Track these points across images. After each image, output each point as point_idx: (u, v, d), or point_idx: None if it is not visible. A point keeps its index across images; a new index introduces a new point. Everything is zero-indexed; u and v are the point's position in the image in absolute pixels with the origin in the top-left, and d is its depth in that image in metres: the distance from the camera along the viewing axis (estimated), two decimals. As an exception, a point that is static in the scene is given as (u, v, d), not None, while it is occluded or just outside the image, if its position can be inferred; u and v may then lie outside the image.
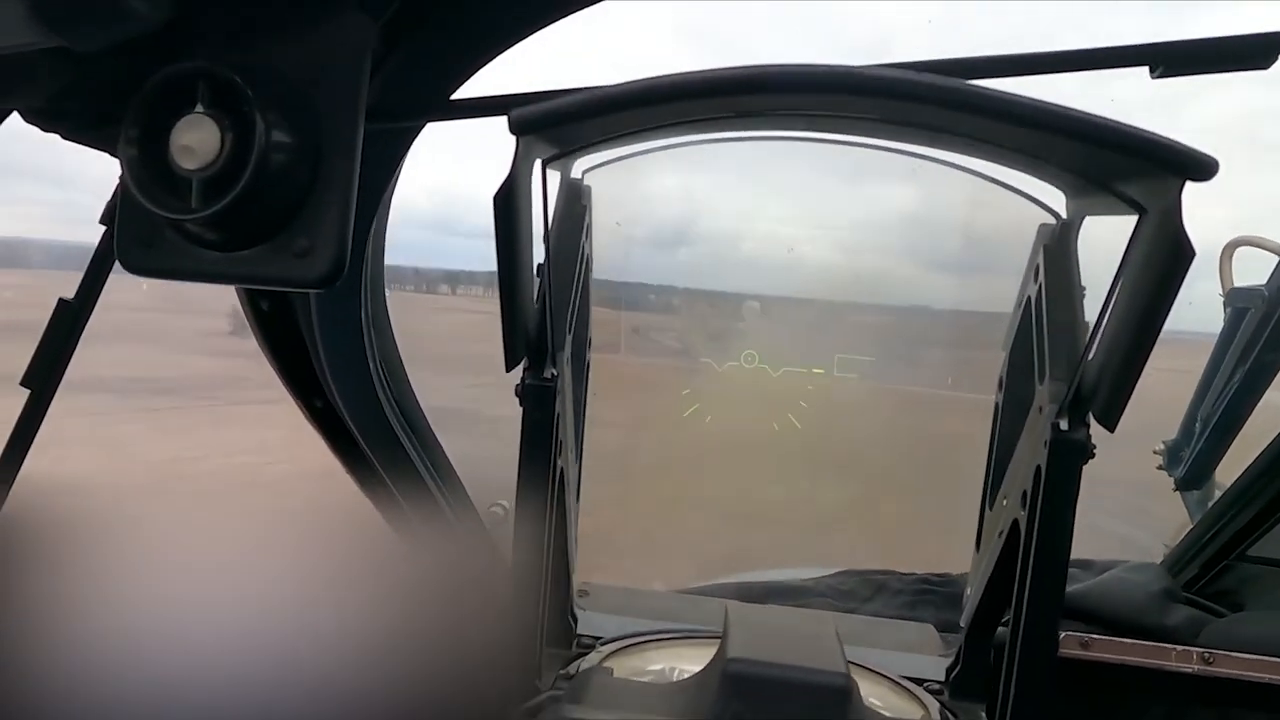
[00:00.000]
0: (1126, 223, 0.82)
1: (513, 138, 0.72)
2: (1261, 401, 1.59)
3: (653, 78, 0.67)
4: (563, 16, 0.93)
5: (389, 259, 1.29)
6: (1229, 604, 1.66)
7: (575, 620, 1.22)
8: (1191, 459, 1.75)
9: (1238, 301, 1.59)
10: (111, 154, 0.88)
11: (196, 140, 0.73)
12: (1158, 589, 1.60)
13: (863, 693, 1.05)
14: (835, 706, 0.88)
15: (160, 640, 0.27)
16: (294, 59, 0.77)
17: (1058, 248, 0.93)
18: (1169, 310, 0.73)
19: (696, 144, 0.84)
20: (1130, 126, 0.67)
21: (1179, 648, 1.26)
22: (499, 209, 0.75)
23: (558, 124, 0.71)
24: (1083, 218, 0.91)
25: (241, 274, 0.79)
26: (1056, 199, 0.94)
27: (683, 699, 0.92)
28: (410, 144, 1.07)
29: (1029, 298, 0.99)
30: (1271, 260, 1.51)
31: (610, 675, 1.02)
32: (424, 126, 1.03)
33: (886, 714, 1.00)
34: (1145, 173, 0.72)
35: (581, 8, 0.92)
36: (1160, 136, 0.66)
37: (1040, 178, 0.88)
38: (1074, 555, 1.78)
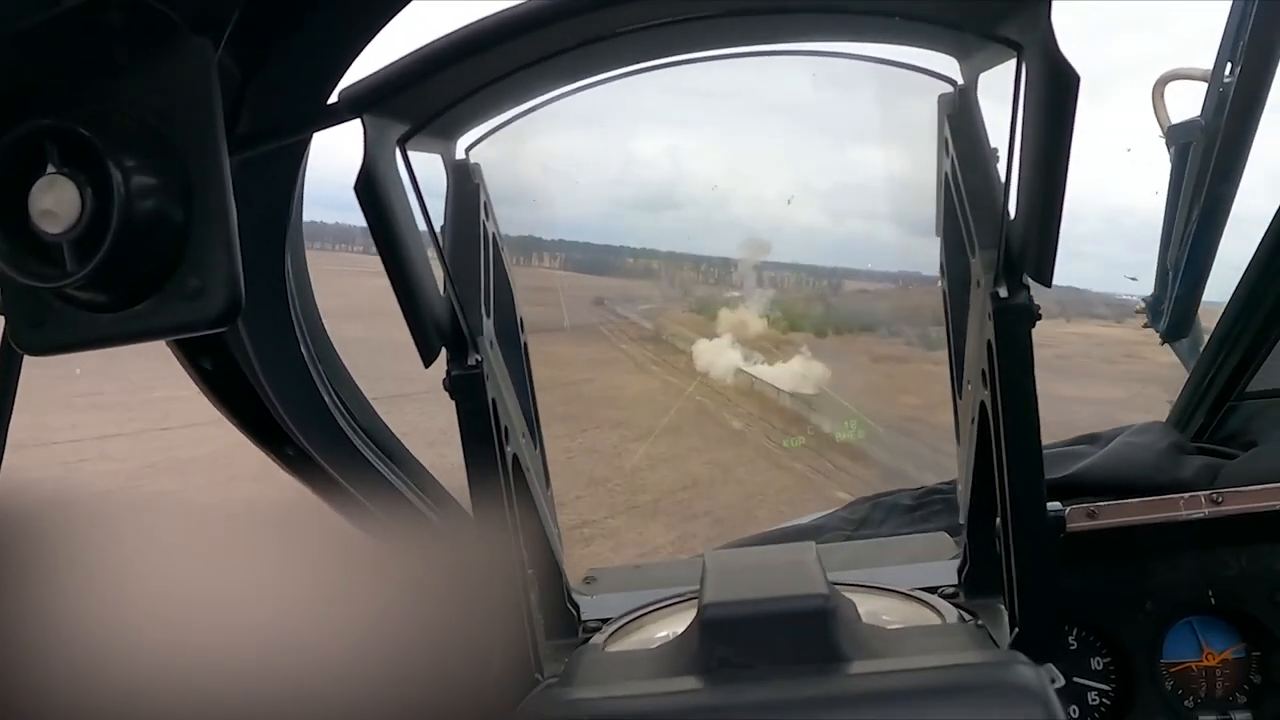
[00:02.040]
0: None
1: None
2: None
3: (484, 18, 0.64)
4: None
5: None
6: (1241, 445, 1.64)
7: (577, 608, 1.19)
8: (1170, 308, 1.72)
9: (1179, 138, 1.55)
10: None
11: (55, 202, 0.70)
12: (1166, 445, 1.58)
13: (873, 609, 1.02)
14: (819, 628, 0.85)
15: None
16: (138, 98, 0.74)
17: (960, 114, 0.90)
18: (1070, 142, 0.71)
19: (570, 95, 0.81)
20: None
21: (1186, 495, 1.23)
22: (363, 201, 0.72)
23: (394, 94, 0.68)
24: (977, 77, 0.88)
25: (139, 329, 0.76)
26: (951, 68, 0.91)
27: (670, 658, 0.90)
28: (303, 159, 1.03)
29: (945, 174, 0.96)
30: (1202, 90, 1.48)
31: (601, 651, 1.00)
32: (309, 141, 1.00)
33: (895, 625, 0.98)
34: (1011, 9, 0.69)
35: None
36: None
37: (930, 48, 0.85)
38: (1081, 430, 1.77)
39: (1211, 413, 1.66)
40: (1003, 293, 0.82)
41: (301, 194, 1.10)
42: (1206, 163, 1.48)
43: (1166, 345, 1.82)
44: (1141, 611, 1.37)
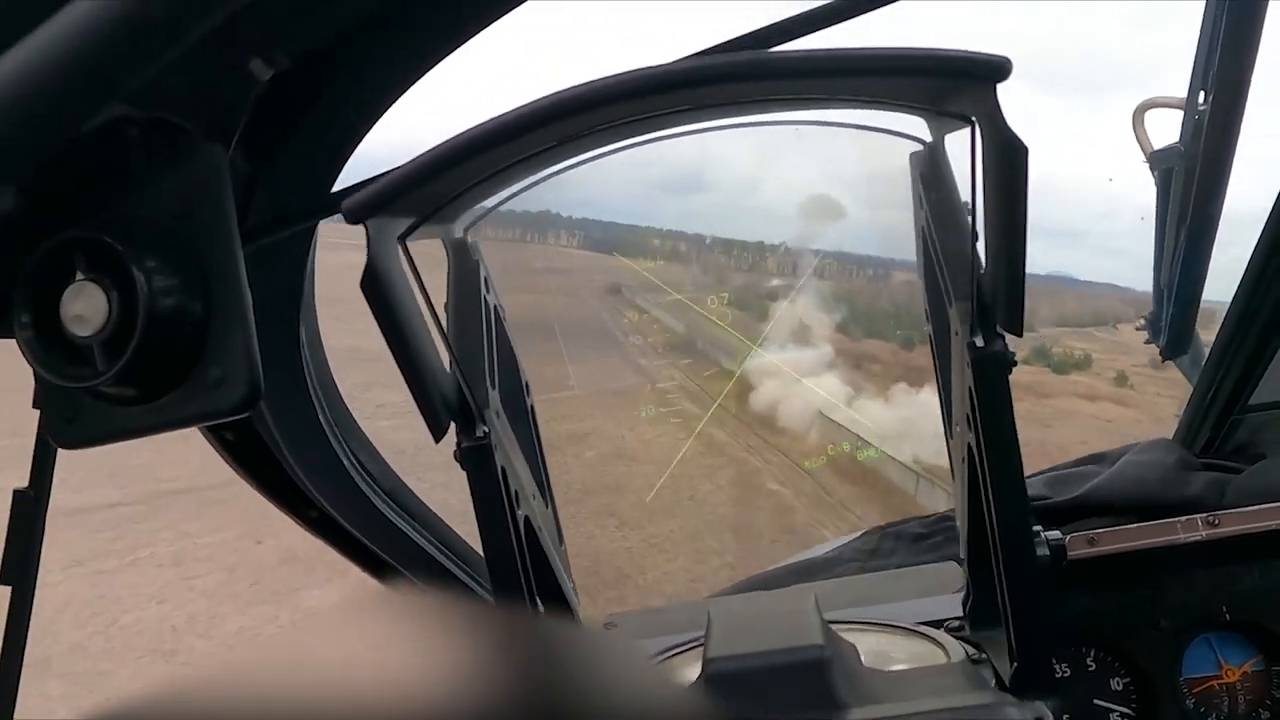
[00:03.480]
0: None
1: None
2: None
3: (466, 130, 0.68)
4: (409, 87, 0.95)
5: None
6: (1248, 458, 1.65)
7: None
8: (1167, 326, 1.75)
9: (1161, 163, 1.59)
10: (8, 337, 0.90)
11: (85, 308, 0.75)
12: (1172, 462, 1.59)
13: (878, 649, 1.05)
14: (817, 678, 0.88)
15: None
16: (156, 204, 0.79)
17: (930, 171, 0.94)
18: (1025, 208, 0.75)
19: (559, 174, 0.85)
20: (920, 50, 0.68)
21: (1184, 519, 1.25)
22: (370, 297, 0.76)
23: (390, 202, 0.73)
24: (944, 136, 0.93)
25: (166, 420, 0.81)
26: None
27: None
28: (311, 241, 1.09)
29: (921, 227, 1.00)
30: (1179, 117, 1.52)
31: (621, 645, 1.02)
32: (316, 227, 1.06)
33: (901, 666, 1.01)
34: (956, 88, 0.73)
35: (431, 68, 0.94)
36: (950, 51, 0.67)
37: (900, 110, 0.89)
38: (1087, 450, 1.79)
39: (1216, 427, 1.68)
40: (979, 342, 0.86)
41: (312, 272, 1.15)
42: (1189, 186, 1.51)
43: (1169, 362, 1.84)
44: (1157, 629, 1.38)
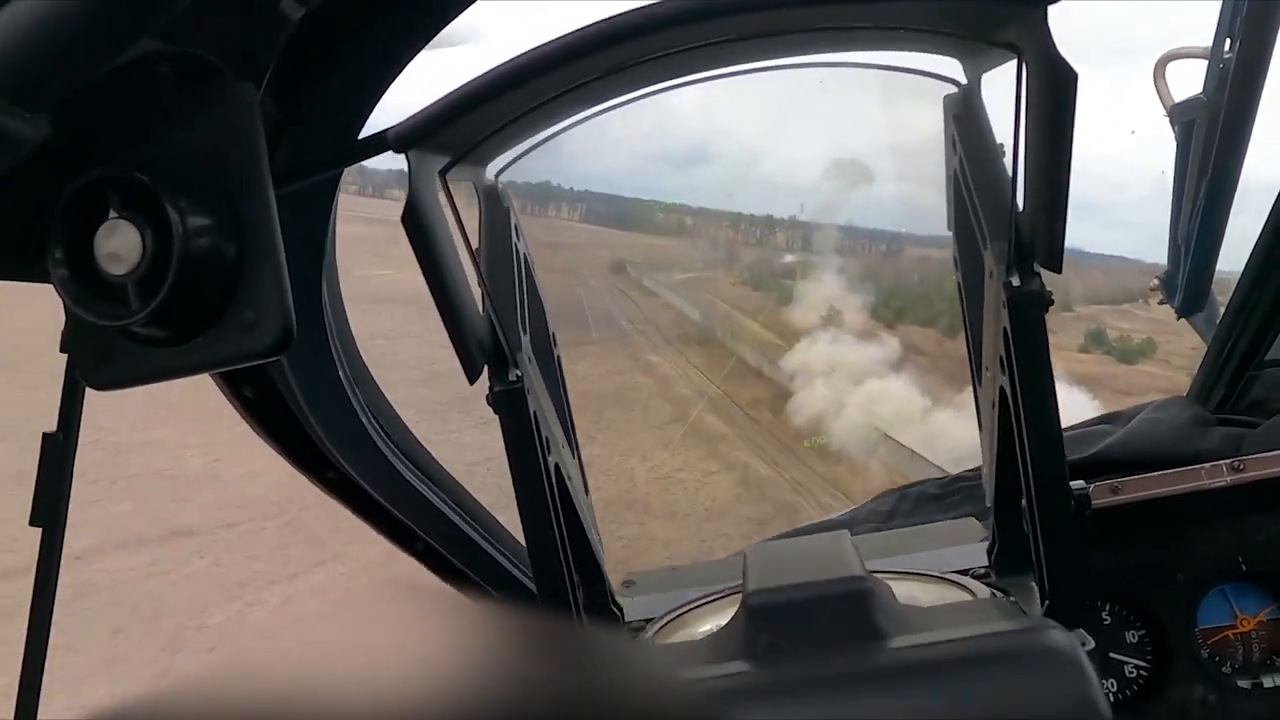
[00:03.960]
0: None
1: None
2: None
3: (516, 56, 0.67)
4: (444, 26, 0.93)
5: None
6: (1264, 413, 1.65)
7: (620, 610, 1.23)
8: (1184, 283, 1.74)
9: (1183, 116, 1.58)
10: (43, 282, 0.89)
11: (119, 246, 0.75)
12: (1186, 418, 1.60)
13: (908, 593, 1.05)
14: (858, 608, 0.88)
15: None
16: (188, 142, 0.78)
17: (966, 113, 0.93)
18: (1072, 136, 0.74)
19: (594, 118, 0.84)
20: None
21: (1208, 465, 1.26)
22: (410, 231, 0.76)
23: (437, 130, 0.72)
24: (979, 77, 0.92)
25: (198, 362, 0.80)
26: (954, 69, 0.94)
27: (719, 646, 0.93)
28: (334, 192, 1.08)
29: (954, 171, 0.99)
30: (1203, 67, 1.50)
31: (656, 644, 1.03)
32: (341, 175, 1.05)
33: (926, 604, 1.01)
34: (1009, 15, 0.72)
35: (449, 22, 0.93)
36: None
37: (935, 51, 0.88)
38: (1102, 410, 1.79)
39: (1232, 383, 1.68)
40: (1015, 281, 0.85)
41: (334, 224, 1.14)
42: (1211, 138, 1.50)
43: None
44: (1173, 582, 1.39)
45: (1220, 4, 1.40)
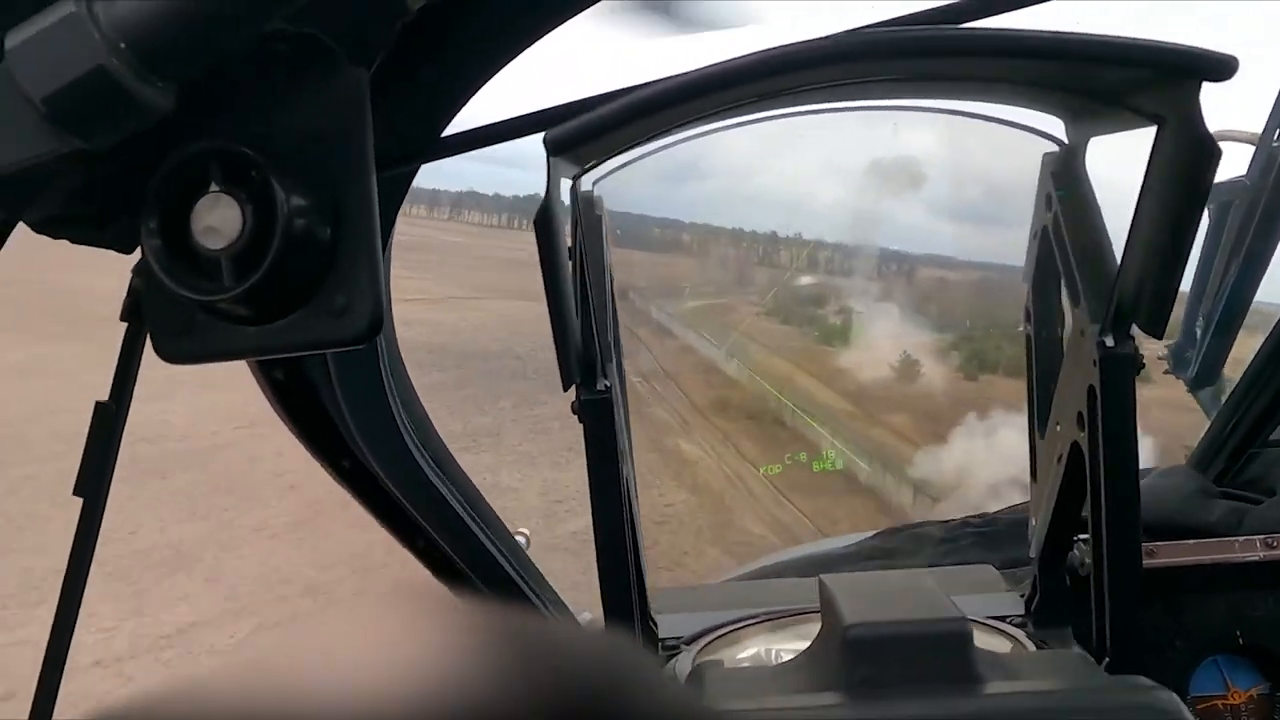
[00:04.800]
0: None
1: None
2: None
3: (680, 76, 0.68)
4: (544, 35, 0.93)
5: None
6: (1260, 491, 1.70)
7: (656, 625, 1.22)
8: (1200, 357, 1.78)
9: (1221, 196, 1.62)
10: (121, 251, 0.87)
11: (219, 219, 0.73)
12: (1193, 489, 1.63)
13: None
14: (960, 653, 0.89)
15: None
16: (297, 122, 0.77)
17: (1067, 173, 0.95)
18: (1202, 210, 0.75)
19: (701, 136, 0.85)
20: (1141, 39, 0.69)
21: (1241, 539, 1.29)
22: (541, 233, 0.75)
23: (594, 138, 0.72)
24: (1087, 140, 0.93)
25: (284, 343, 0.79)
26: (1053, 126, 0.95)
27: (804, 675, 0.93)
28: (406, 190, 1.07)
29: (1044, 228, 1.01)
30: (1248, 152, 1.55)
31: (721, 667, 1.03)
32: (418, 170, 1.04)
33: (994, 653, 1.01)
34: (1160, 83, 0.74)
35: (554, 27, 0.93)
36: (1173, 44, 0.68)
37: (1038, 108, 0.90)
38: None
39: (1233, 459, 1.72)
40: (1109, 342, 0.87)
41: (396, 220, 1.13)
42: (1248, 222, 1.54)
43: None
44: (1172, 648, 1.41)
45: (1277, 94, 1.44)
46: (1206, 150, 0.72)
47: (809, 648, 0.96)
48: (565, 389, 0.88)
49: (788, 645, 1.02)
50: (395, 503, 1.49)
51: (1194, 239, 0.78)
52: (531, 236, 0.86)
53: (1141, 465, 1.87)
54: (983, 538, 1.64)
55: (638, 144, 0.81)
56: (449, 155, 0.99)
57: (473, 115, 1.00)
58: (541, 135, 0.74)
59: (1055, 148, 0.97)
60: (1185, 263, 0.79)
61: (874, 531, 1.84)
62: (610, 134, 0.73)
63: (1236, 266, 1.59)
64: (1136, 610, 0.94)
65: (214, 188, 0.74)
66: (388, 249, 1.14)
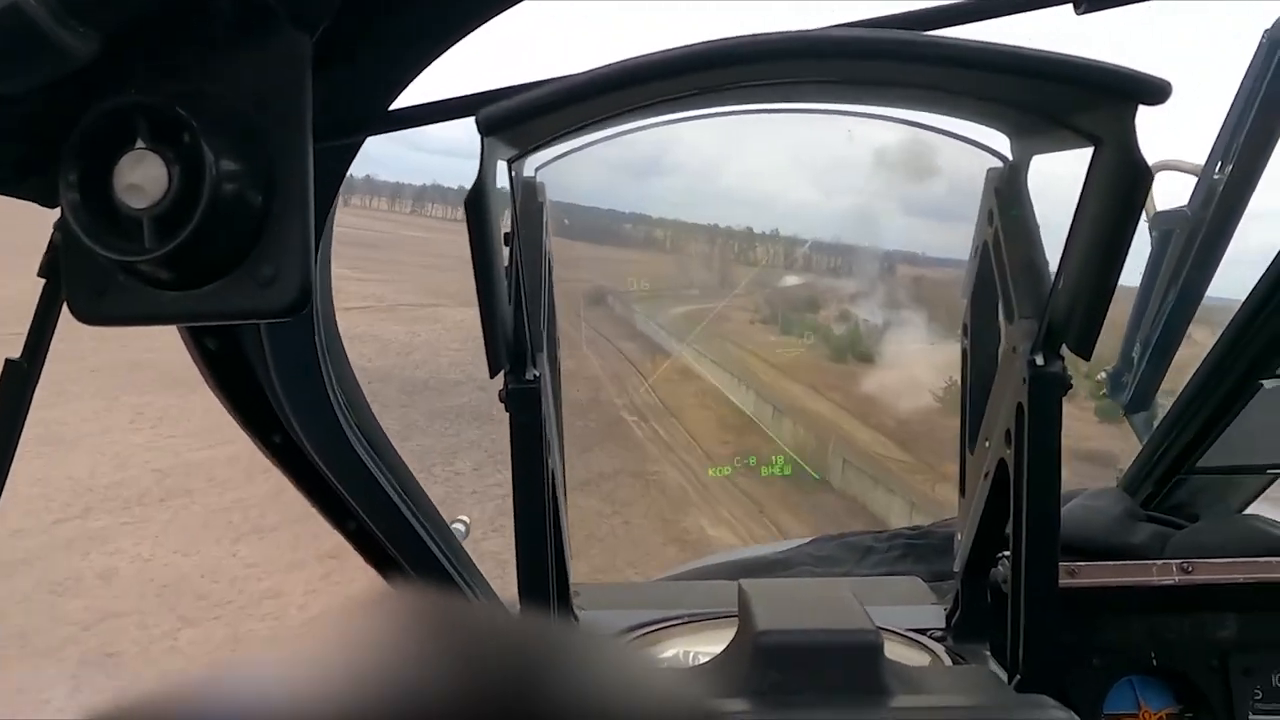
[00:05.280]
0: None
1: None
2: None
3: (617, 63, 0.67)
4: (495, 14, 0.92)
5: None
6: (1185, 516, 1.74)
7: (577, 621, 1.21)
8: (1135, 382, 1.82)
9: (1163, 225, 1.65)
10: (42, 204, 0.84)
11: (143, 177, 0.71)
12: (1120, 511, 1.66)
13: None
14: (869, 664, 0.89)
15: None
16: (233, 84, 0.75)
17: (1009, 190, 0.96)
18: (1133, 234, 0.76)
19: (653, 127, 0.84)
20: (1080, 58, 0.69)
21: (1159, 562, 1.31)
22: (472, 215, 0.74)
23: (528, 119, 0.70)
24: (1030, 158, 0.94)
25: (206, 310, 0.77)
26: (1000, 143, 0.96)
27: (713, 679, 0.93)
28: (349, 161, 1.04)
29: (985, 243, 1.01)
30: (1191, 182, 1.58)
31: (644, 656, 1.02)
32: (362, 142, 1.01)
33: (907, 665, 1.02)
34: (1097, 103, 0.74)
35: (505, 8, 0.92)
36: (1111, 64, 0.69)
37: (985, 123, 0.90)
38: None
39: (1160, 483, 1.76)
40: (1039, 360, 0.87)
41: (339, 194, 1.11)
42: (1187, 251, 1.58)
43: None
44: (1089, 666, 1.44)
45: (1220, 127, 1.47)
46: (1139, 174, 0.73)
47: (723, 652, 0.96)
48: (492, 376, 0.86)
49: (706, 648, 1.02)
50: (326, 482, 1.46)
51: (1124, 262, 0.79)
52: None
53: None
54: (915, 549, 1.65)
55: (577, 130, 0.80)
56: (394, 129, 0.97)
57: (426, 91, 0.98)
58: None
59: (998, 163, 0.98)
60: (1115, 286, 0.80)
61: (810, 538, 1.85)
62: (546, 117, 0.71)
63: (1174, 295, 1.63)
64: (1051, 628, 0.95)
65: (140, 145, 0.71)
66: (329, 223, 1.11)
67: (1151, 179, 0.73)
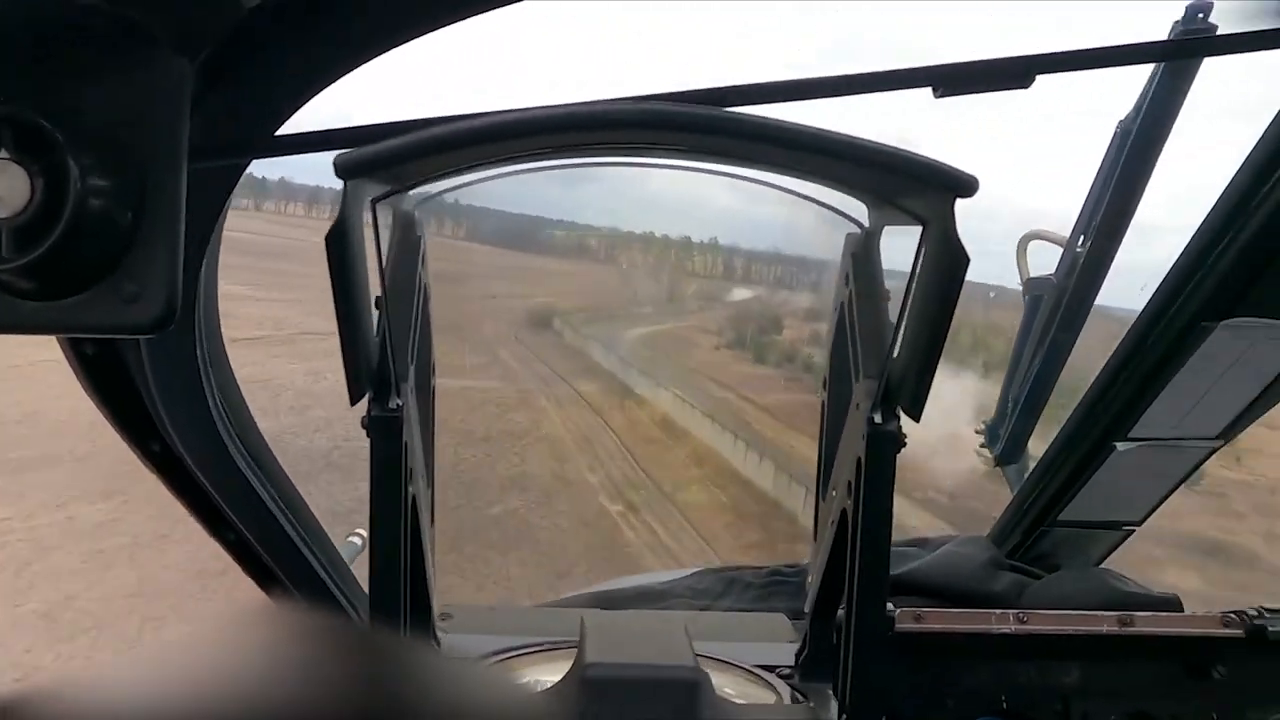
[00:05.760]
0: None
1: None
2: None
3: (473, 118, 0.70)
4: (391, 48, 0.94)
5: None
6: (1046, 566, 1.83)
7: (439, 645, 1.22)
8: (1006, 436, 1.91)
9: (1034, 290, 1.75)
10: None
11: (4, 188, 0.71)
12: (984, 559, 1.74)
13: (717, 684, 1.10)
14: (687, 699, 0.93)
15: None
16: (108, 102, 0.76)
17: (863, 255, 1.02)
18: (953, 310, 0.82)
19: (524, 173, 0.87)
20: (907, 152, 0.75)
21: (998, 611, 1.38)
22: (332, 249, 0.76)
23: (384, 167, 0.73)
24: (882, 227, 1.00)
25: (66, 323, 0.77)
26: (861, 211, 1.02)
27: (544, 707, 0.95)
28: (235, 182, 1.05)
29: (842, 303, 1.07)
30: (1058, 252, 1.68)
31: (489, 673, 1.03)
32: (247, 165, 1.03)
33: (739, 701, 1.06)
34: (921, 190, 0.80)
35: (407, 40, 0.94)
36: (930, 160, 0.74)
37: (846, 193, 0.96)
38: (912, 535, 1.92)
39: (1027, 534, 1.84)
40: (878, 418, 0.93)
41: (226, 213, 1.11)
42: (1054, 316, 1.68)
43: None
44: (944, 708, 1.50)
45: (1082, 205, 1.58)
46: (957, 256, 0.79)
47: (559, 682, 0.99)
48: (352, 404, 0.88)
49: (553, 677, 1.05)
50: (205, 493, 1.45)
51: (946, 334, 0.84)
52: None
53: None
54: (788, 586, 1.70)
55: (439, 177, 0.83)
56: (279, 154, 0.98)
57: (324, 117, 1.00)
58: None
59: (858, 229, 1.03)
60: (940, 353, 0.86)
61: (693, 570, 1.88)
62: (404, 165, 0.74)
63: (1042, 355, 1.72)
64: (879, 671, 1.00)
65: (2, 154, 0.72)
66: (216, 238, 1.12)
67: (967, 263, 0.79)
